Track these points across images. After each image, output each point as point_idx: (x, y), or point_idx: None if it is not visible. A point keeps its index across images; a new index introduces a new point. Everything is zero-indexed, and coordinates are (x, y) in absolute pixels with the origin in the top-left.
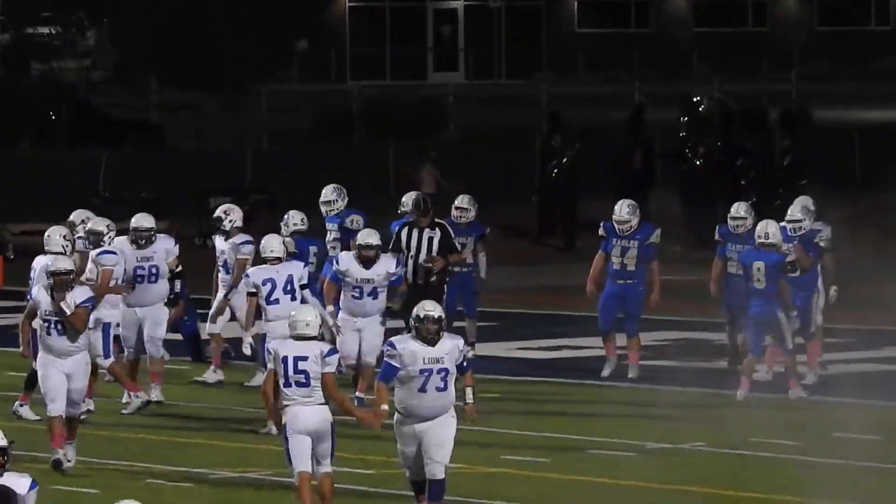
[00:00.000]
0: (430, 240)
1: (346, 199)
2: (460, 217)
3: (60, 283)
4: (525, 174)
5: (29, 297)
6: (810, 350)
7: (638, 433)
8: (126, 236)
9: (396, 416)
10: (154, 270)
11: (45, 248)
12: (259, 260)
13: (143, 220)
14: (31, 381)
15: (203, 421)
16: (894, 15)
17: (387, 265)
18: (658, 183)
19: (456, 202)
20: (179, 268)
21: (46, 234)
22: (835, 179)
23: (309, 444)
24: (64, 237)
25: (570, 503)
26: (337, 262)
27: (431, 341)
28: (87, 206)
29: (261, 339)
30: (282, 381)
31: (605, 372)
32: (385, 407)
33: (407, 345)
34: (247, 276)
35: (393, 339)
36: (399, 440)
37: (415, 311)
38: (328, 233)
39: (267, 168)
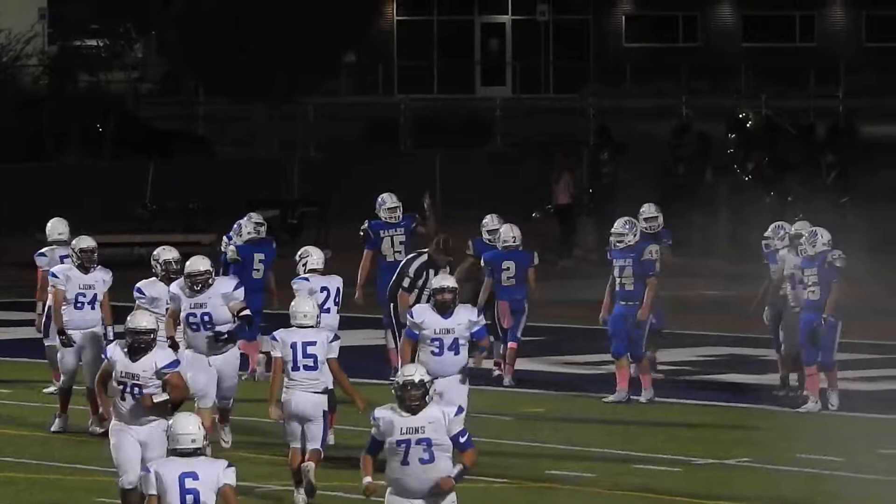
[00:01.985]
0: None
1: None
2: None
3: (139, 343)
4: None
5: (104, 354)
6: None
7: (683, 448)
8: (181, 280)
9: (388, 492)
10: (207, 318)
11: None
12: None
13: (198, 264)
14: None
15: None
16: None
17: (467, 314)
18: (704, 197)
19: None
20: (246, 311)
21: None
22: (882, 195)
23: (299, 428)
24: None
25: None
26: (411, 316)
27: (413, 409)
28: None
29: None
30: (290, 366)
31: (610, 398)
32: (368, 479)
33: (385, 413)
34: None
35: (377, 408)
36: None
37: (397, 377)
38: (386, 239)
39: (314, 179)
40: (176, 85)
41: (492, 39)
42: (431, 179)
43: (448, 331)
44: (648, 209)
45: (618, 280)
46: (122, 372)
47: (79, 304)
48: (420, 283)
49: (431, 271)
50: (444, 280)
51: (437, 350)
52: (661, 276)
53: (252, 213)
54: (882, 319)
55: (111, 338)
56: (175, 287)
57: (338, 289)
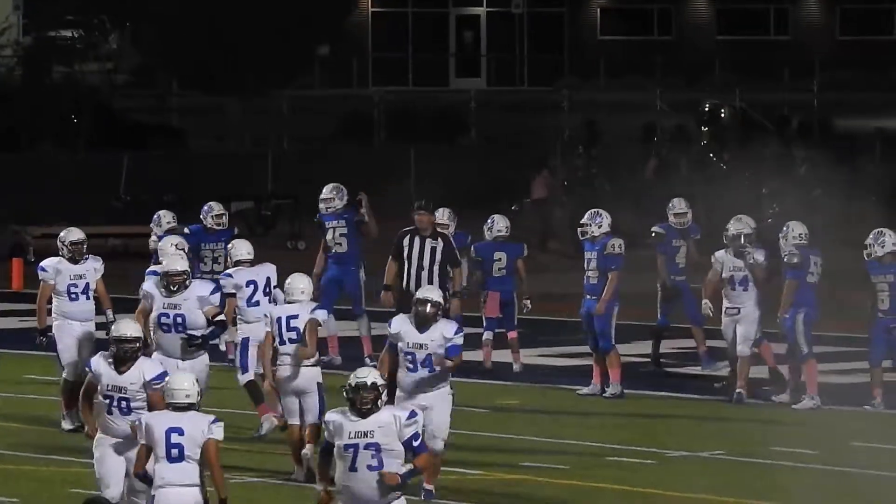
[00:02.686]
0: (433, 249)
1: (346, 199)
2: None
3: (124, 352)
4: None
5: (88, 367)
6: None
7: (657, 441)
8: (155, 280)
9: (338, 500)
10: (180, 319)
11: (161, 259)
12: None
13: (176, 264)
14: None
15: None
16: None
17: (444, 329)
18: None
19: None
20: (221, 317)
21: (159, 246)
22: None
23: (296, 402)
24: (176, 246)
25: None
26: (390, 325)
27: (363, 412)
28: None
29: (241, 343)
30: (277, 341)
31: (584, 391)
32: (322, 488)
33: (334, 417)
34: (228, 275)
35: (329, 411)
36: None
37: (349, 380)
38: (329, 230)
39: (288, 172)
40: (150, 77)
41: (466, 32)
42: (406, 172)
43: (421, 346)
44: (679, 204)
45: (586, 272)
46: (108, 385)
47: (72, 296)
48: (406, 252)
49: (417, 240)
50: (430, 292)
51: (410, 366)
52: (622, 269)
53: (213, 203)
54: (854, 313)
55: (112, 319)
56: (150, 285)
57: (268, 278)
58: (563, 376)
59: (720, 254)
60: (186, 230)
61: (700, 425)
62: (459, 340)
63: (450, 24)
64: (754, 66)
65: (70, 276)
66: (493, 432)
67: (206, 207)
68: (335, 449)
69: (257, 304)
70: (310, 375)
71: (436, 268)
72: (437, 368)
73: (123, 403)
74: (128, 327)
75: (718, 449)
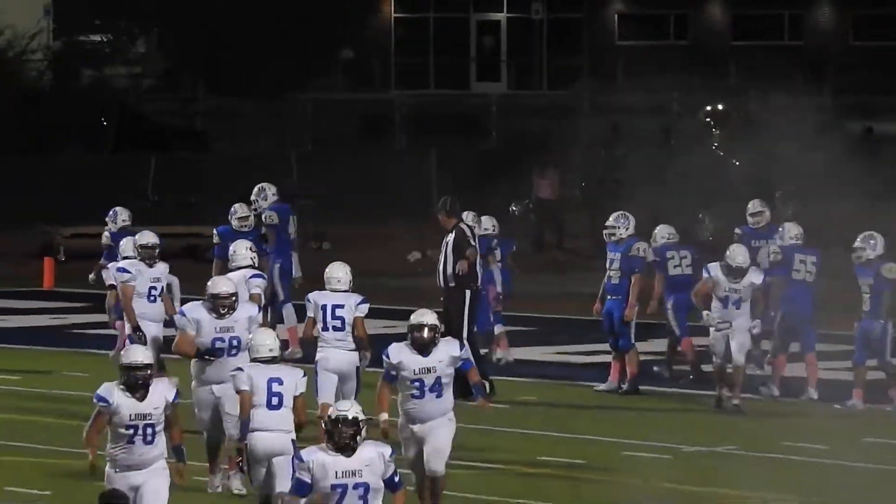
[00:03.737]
0: (447, 244)
1: (272, 199)
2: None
3: (136, 379)
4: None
5: (101, 401)
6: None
7: (673, 436)
8: (201, 302)
9: None
10: (235, 342)
11: (232, 263)
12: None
13: (222, 285)
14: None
15: None
16: None
17: (449, 349)
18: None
19: (477, 222)
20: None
21: (232, 249)
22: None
23: (335, 381)
24: (250, 249)
25: (620, 500)
26: (387, 357)
27: (342, 447)
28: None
29: None
30: (320, 326)
31: (601, 387)
32: None
33: (316, 456)
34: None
35: (303, 450)
36: None
37: (329, 412)
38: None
39: (310, 173)
40: (176, 81)
41: (487, 37)
42: (427, 174)
43: (429, 370)
44: (753, 205)
45: (607, 272)
46: (131, 415)
47: (151, 297)
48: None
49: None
50: (423, 317)
51: (417, 392)
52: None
53: (237, 206)
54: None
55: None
56: (196, 310)
57: (158, 278)
58: (580, 373)
59: (715, 271)
60: (215, 231)
61: (713, 421)
62: (467, 354)
63: (471, 29)
64: (768, 69)
65: (150, 278)
66: (511, 427)
67: (231, 210)
68: (318, 489)
69: None
70: (351, 359)
71: (448, 262)
72: (446, 392)
73: (149, 430)
74: (139, 354)
75: (732, 444)
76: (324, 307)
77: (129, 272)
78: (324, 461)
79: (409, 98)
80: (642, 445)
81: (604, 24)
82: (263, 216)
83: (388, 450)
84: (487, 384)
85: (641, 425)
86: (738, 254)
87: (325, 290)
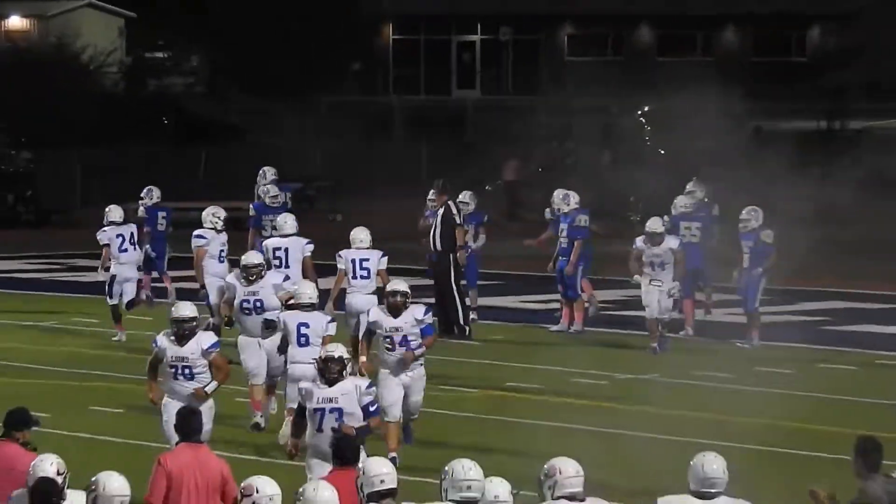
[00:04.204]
0: (438, 217)
1: (270, 179)
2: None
3: (184, 330)
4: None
5: (154, 345)
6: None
7: (610, 366)
8: (236, 272)
9: (307, 454)
10: (259, 304)
11: (279, 231)
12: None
13: (252, 258)
14: None
15: None
16: (809, 49)
17: (415, 312)
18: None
19: (459, 197)
20: (290, 300)
21: (282, 220)
22: None
23: (355, 320)
24: (295, 219)
25: (560, 418)
26: (368, 316)
27: (331, 381)
28: (188, 189)
29: None
30: (350, 277)
31: (553, 328)
32: (292, 442)
33: (307, 385)
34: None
35: (303, 380)
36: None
37: (320, 352)
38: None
39: (328, 161)
40: (220, 88)
41: (465, 54)
42: (419, 163)
43: (397, 329)
44: (689, 186)
45: (559, 238)
46: (172, 357)
47: (220, 259)
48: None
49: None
50: (397, 285)
51: (389, 346)
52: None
53: (269, 186)
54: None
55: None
56: (231, 278)
57: (132, 233)
58: (538, 317)
59: (639, 242)
60: (251, 206)
61: (641, 355)
62: (430, 320)
63: (452, 47)
64: (687, 79)
65: (220, 243)
66: (483, 359)
67: (264, 189)
68: (307, 412)
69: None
70: (370, 300)
71: (438, 231)
72: (414, 348)
73: (187, 371)
74: (185, 309)
75: (656, 373)
76: (353, 261)
77: (204, 238)
78: (311, 389)
79: (404, 102)
80: (586, 373)
81: (557, 44)
82: (259, 191)
83: (364, 383)
84: (468, 329)
85: (586, 358)
86: (654, 222)
87: (350, 248)
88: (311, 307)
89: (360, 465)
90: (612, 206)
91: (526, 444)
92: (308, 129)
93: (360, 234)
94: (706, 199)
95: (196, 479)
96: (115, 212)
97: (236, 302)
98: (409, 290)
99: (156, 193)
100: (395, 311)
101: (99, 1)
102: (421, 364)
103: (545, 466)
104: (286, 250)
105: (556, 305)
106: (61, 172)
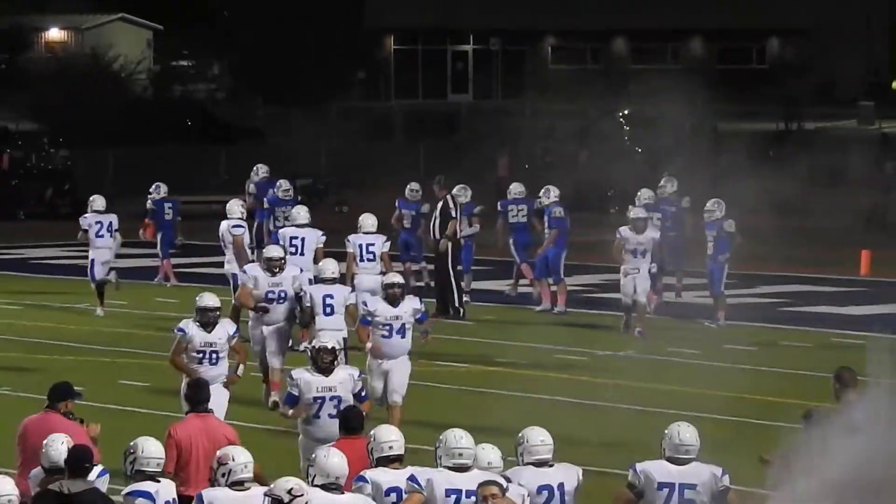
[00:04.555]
0: (438, 209)
1: (262, 175)
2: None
3: (208, 319)
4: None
5: (177, 331)
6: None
7: (590, 343)
8: (259, 264)
9: (300, 437)
10: (283, 294)
11: (293, 222)
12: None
13: (273, 251)
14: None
15: None
16: (769, 58)
17: (412, 303)
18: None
19: (454, 190)
20: (302, 290)
21: (295, 212)
22: None
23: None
24: (308, 211)
25: (543, 391)
26: (365, 305)
27: (326, 371)
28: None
29: None
30: (358, 258)
31: (538, 308)
32: (288, 413)
33: (302, 375)
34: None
35: (293, 370)
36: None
37: (313, 342)
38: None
39: (336, 159)
40: (240, 94)
41: (458, 62)
42: (417, 160)
43: (397, 317)
44: (663, 181)
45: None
46: (201, 343)
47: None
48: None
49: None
50: (395, 277)
51: (386, 334)
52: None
53: (282, 181)
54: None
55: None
56: (254, 269)
57: (111, 223)
58: (526, 300)
59: (625, 232)
60: (265, 198)
61: (617, 333)
62: (424, 308)
63: (447, 56)
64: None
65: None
66: (474, 338)
67: (277, 183)
68: (300, 401)
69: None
70: (378, 279)
71: (437, 221)
72: (408, 335)
73: (214, 356)
74: (210, 299)
75: (631, 350)
76: (360, 245)
77: (242, 227)
78: (308, 379)
79: (404, 106)
80: (568, 350)
81: (541, 54)
82: (248, 186)
83: (356, 371)
84: (462, 309)
85: (568, 336)
86: (638, 211)
87: (359, 233)
88: (333, 281)
89: (371, 432)
90: (591, 200)
91: (512, 415)
92: (318, 131)
93: (368, 220)
94: (676, 192)
95: (204, 445)
96: (97, 201)
97: (261, 292)
98: (404, 282)
99: (163, 189)
100: (394, 301)
101: (129, 15)
102: (406, 353)
103: (518, 435)
104: (302, 240)
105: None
106: (96, 169)
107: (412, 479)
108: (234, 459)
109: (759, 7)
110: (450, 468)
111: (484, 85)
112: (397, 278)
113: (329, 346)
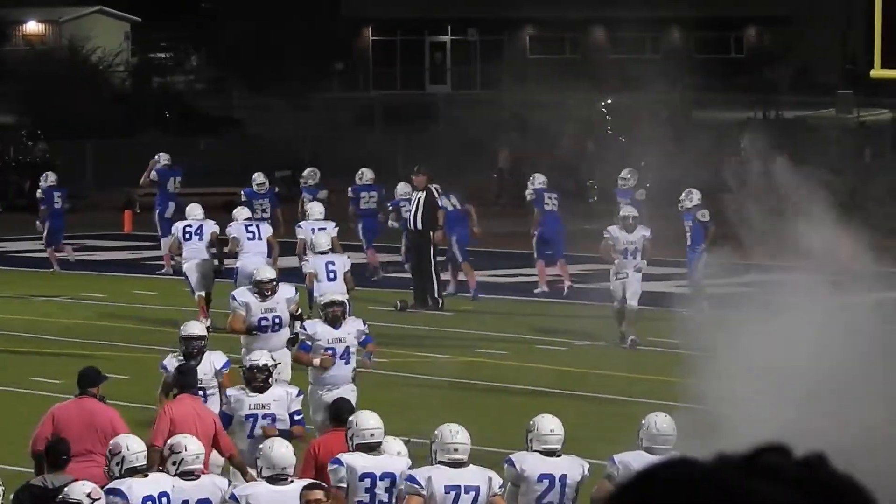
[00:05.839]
0: (419, 199)
1: (163, 163)
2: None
3: (193, 349)
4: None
5: (163, 369)
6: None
7: (568, 334)
8: (248, 287)
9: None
10: (277, 320)
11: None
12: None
13: (265, 273)
14: None
15: None
16: (746, 47)
17: (355, 324)
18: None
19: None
20: (299, 311)
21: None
22: None
23: None
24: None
25: (525, 380)
26: (304, 329)
27: (259, 389)
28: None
29: None
30: (308, 244)
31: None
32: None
33: (235, 392)
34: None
35: (229, 389)
36: None
37: (245, 360)
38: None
39: (316, 150)
40: (219, 85)
41: (436, 53)
42: (396, 151)
43: (340, 340)
44: (623, 172)
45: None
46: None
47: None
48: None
49: (414, 193)
50: (335, 296)
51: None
52: None
53: (256, 175)
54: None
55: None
56: (244, 294)
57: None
58: (507, 290)
59: (614, 231)
60: (242, 192)
61: (595, 324)
62: (367, 330)
63: (425, 47)
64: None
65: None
66: (455, 328)
67: (253, 177)
68: (235, 419)
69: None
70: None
71: (420, 212)
72: (352, 360)
73: (200, 393)
74: (195, 328)
75: (604, 341)
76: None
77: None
78: (241, 397)
79: (383, 97)
80: (548, 340)
81: (519, 43)
82: (151, 175)
83: (295, 390)
84: (441, 300)
85: (550, 325)
86: (627, 209)
87: (309, 220)
88: (329, 252)
89: (351, 418)
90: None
91: (489, 404)
92: (297, 121)
93: (316, 208)
94: (636, 185)
95: (196, 426)
96: (50, 176)
97: (254, 320)
98: (346, 301)
99: (51, 177)
100: (335, 321)
101: (107, 7)
102: (351, 381)
103: (529, 422)
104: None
105: (520, 279)
106: (75, 161)
107: (411, 479)
108: (186, 449)
109: None
110: (445, 463)
111: (462, 76)
112: (339, 297)
113: (262, 364)
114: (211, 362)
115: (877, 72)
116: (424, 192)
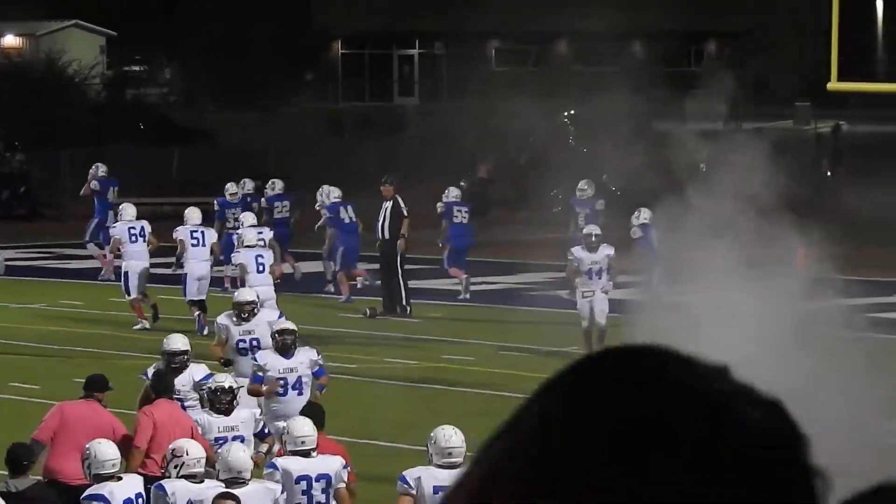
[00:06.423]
0: (386, 209)
1: (101, 174)
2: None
3: (174, 363)
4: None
5: (144, 377)
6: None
7: (536, 340)
8: (228, 312)
9: None
10: (255, 343)
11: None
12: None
13: (245, 295)
14: None
15: None
16: (707, 59)
17: (308, 354)
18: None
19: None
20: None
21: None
22: None
23: None
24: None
25: (489, 386)
26: (255, 359)
27: (224, 411)
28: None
29: None
30: (190, 245)
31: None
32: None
33: (200, 416)
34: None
35: (194, 409)
36: None
37: (208, 384)
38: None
39: (286, 160)
40: (192, 97)
41: (405, 66)
42: (366, 161)
43: (292, 370)
44: (582, 183)
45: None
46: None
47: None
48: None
49: (383, 203)
50: (285, 323)
51: (280, 390)
52: None
53: (229, 185)
54: None
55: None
56: (224, 318)
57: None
58: (477, 298)
59: (578, 252)
60: (215, 201)
61: (562, 330)
62: (322, 360)
63: (394, 60)
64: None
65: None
66: (423, 336)
67: (226, 187)
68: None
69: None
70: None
71: (387, 222)
72: (306, 391)
73: (179, 404)
74: (178, 342)
75: (574, 346)
76: (191, 233)
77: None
78: (207, 420)
79: (352, 108)
80: (516, 347)
81: (485, 56)
82: (91, 185)
83: (258, 411)
84: (409, 308)
85: (512, 333)
86: (591, 228)
87: (186, 225)
88: (255, 247)
89: (284, 424)
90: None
91: (456, 409)
92: (268, 132)
93: (194, 214)
94: (594, 196)
95: (175, 429)
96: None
97: (232, 343)
98: (296, 329)
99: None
100: (286, 350)
101: (83, 21)
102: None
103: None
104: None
105: (486, 287)
106: (51, 172)
107: (402, 479)
108: (187, 454)
109: (698, 10)
110: (440, 466)
111: (430, 88)
112: (288, 324)
113: (226, 386)
114: (191, 374)
115: (833, 84)
116: (391, 202)
